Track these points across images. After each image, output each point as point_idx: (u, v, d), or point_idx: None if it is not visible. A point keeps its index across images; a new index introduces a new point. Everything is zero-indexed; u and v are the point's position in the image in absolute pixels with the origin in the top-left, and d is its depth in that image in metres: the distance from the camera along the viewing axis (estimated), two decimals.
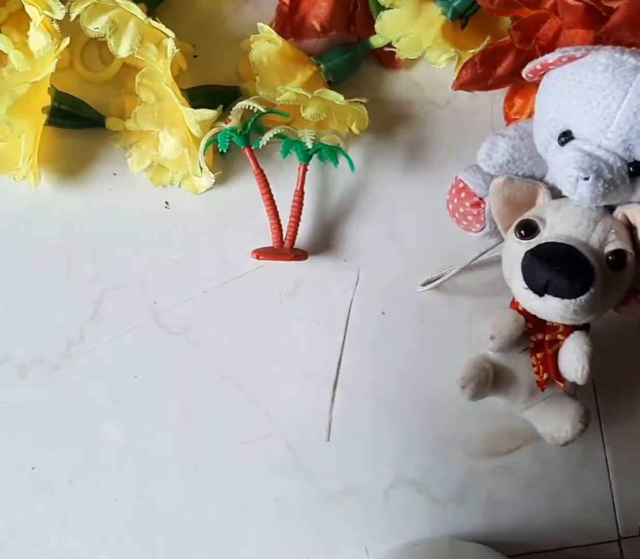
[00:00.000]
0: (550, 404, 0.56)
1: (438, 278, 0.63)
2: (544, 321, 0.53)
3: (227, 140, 0.59)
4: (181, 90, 0.58)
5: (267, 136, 0.58)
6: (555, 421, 0.56)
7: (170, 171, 0.62)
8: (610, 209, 0.52)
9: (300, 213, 0.61)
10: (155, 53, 0.57)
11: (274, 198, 0.60)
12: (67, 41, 0.55)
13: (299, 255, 0.61)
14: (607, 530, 0.66)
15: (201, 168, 0.60)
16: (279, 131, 0.59)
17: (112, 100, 0.62)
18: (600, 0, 0.53)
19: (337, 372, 0.64)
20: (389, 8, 0.59)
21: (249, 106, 0.58)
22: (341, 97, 0.58)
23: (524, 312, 0.54)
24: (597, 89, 0.48)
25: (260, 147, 0.59)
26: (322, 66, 0.61)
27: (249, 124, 0.59)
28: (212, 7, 0.64)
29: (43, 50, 0.54)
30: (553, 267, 0.48)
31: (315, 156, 0.60)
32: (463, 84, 0.60)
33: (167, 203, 0.63)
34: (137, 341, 0.62)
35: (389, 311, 0.64)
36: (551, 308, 0.49)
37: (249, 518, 0.63)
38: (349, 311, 0.64)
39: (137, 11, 0.55)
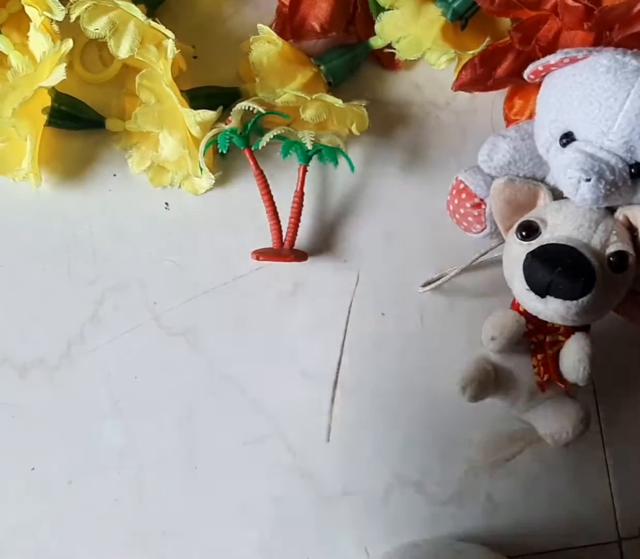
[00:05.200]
0: (551, 405, 0.56)
1: (438, 279, 0.63)
2: (545, 322, 0.53)
3: (227, 141, 0.59)
4: (181, 91, 0.58)
5: (267, 137, 0.58)
6: (556, 423, 0.56)
7: (170, 172, 0.62)
8: (611, 210, 0.52)
9: (300, 214, 0.61)
10: (155, 54, 0.57)
11: (274, 199, 0.60)
12: (70, 44, 0.55)
13: (299, 255, 0.61)
14: (607, 531, 0.66)
15: (201, 169, 0.60)
16: (279, 132, 0.59)
17: (112, 101, 0.62)
18: (600, 1, 0.53)
19: (337, 372, 0.64)
20: (388, 9, 0.59)
21: (249, 107, 0.58)
22: (340, 101, 0.58)
23: (524, 313, 0.54)
24: (599, 91, 0.48)
25: (260, 148, 0.59)
26: (322, 67, 0.61)
27: (249, 125, 0.59)
28: (212, 8, 0.64)
29: (47, 53, 0.54)
30: (554, 268, 0.48)
31: (315, 157, 0.60)
32: (463, 85, 0.60)
33: (167, 204, 0.63)
34: (137, 342, 0.62)
35: (389, 312, 0.64)
36: (552, 310, 0.50)
37: (249, 518, 0.63)
38: (349, 312, 0.64)
39: (137, 12, 0.55)
